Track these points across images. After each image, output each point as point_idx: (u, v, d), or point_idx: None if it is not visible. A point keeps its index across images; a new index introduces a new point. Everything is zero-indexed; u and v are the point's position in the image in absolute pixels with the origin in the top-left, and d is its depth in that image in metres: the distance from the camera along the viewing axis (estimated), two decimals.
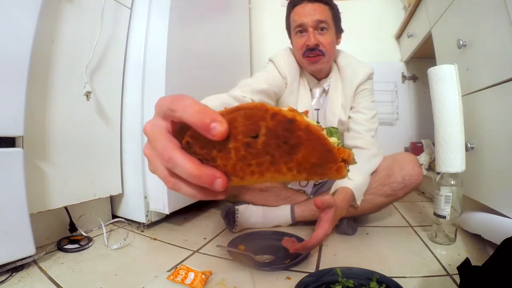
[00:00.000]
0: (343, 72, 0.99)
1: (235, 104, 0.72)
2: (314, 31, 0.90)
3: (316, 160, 0.22)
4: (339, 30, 0.99)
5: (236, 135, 0.23)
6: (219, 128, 0.22)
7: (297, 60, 1.00)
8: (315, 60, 0.92)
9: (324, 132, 0.24)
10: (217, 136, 0.22)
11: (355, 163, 0.26)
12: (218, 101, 0.73)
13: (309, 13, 0.90)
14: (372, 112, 1.00)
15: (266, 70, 0.98)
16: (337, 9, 0.97)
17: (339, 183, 0.87)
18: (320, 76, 1.01)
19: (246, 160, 0.23)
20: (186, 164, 0.24)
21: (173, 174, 0.26)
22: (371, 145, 0.95)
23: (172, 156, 0.24)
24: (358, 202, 0.87)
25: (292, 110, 0.23)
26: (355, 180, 0.85)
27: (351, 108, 1.01)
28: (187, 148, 0.25)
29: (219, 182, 0.24)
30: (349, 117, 1.00)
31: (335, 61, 1.03)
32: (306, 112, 0.26)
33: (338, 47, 1.04)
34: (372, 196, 0.93)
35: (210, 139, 0.23)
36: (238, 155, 0.23)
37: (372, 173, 0.93)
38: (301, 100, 0.99)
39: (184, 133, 0.25)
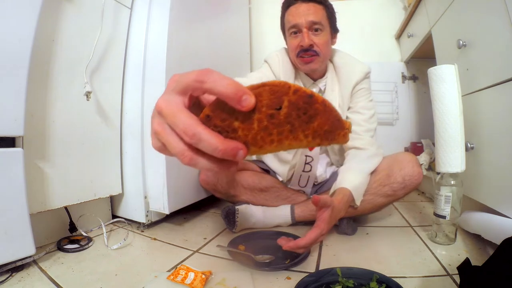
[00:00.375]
0: (340, 71, 0.99)
1: None
2: (308, 31, 0.90)
3: (329, 127, 0.27)
4: (334, 30, 0.98)
5: (261, 107, 0.26)
6: (249, 99, 0.24)
7: (291, 60, 0.99)
8: (309, 61, 0.92)
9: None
10: (246, 107, 0.25)
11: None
12: None
13: (303, 14, 0.90)
14: (370, 112, 1.00)
15: (260, 71, 1.00)
16: (332, 9, 0.97)
17: (337, 184, 0.87)
18: (315, 76, 1.02)
19: (268, 130, 0.27)
20: (212, 139, 0.25)
21: (191, 149, 0.26)
22: (370, 146, 0.95)
23: (197, 132, 0.24)
24: (358, 203, 0.87)
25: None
26: (353, 181, 0.85)
27: (348, 109, 1.01)
28: (206, 122, 0.26)
29: (241, 153, 0.25)
30: (347, 118, 1.00)
31: (331, 61, 1.03)
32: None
33: (335, 46, 1.04)
34: (372, 197, 0.92)
35: (233, 112, 0.26)
36: (260, 125, 0.26)
37: (372, 173, 0.93)
38: None
39: (195, 110, 0.27)
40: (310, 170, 1.05)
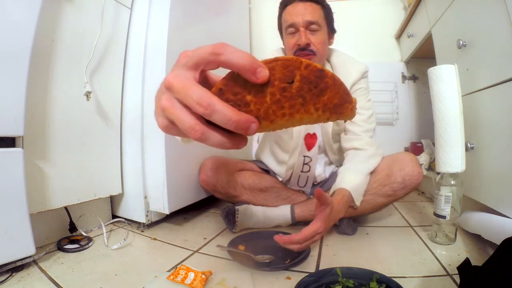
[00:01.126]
0: (337, 71, 0.99)
1: None
2: (305, 30, 0.90)
3: (338, 101, 0.28)
4: (331, 30, 0.99)
5: (274, 81, 0.26)
6: (264, 72, 0.25)
7: None
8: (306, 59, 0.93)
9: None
10: (261, 79, 0.25)
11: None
12: None
13: (301, 13, 0.90)
14: (368, 112, 0.99)
15: None
16: (330, 9, 0.97)
17: (337, 185, 0.87)
18: None
19: (280, 103, 0.27)
20: (226, 109, 0.24)
21: (202, 123, 0.26)
22: (369, 146, 0.95)
23: (211, 103, 0.24)
24: (357, 203, 0.87)
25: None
26: (352, 182, 0.85)
27: None
28: (219, 95, 0.26)
29: (254, 126, 0.25)
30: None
31: (328, 61, 1.03)
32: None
33: (333, 46, 1.04)
34: (372, 197, 0.92)
35: (245, 85, 0.26)
36: (273, 99, 0.27)
37: (372, 174, 0.93)
38: None
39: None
40: (309, 171, 1.05)
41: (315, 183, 1.10)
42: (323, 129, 1.03)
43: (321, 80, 0.27)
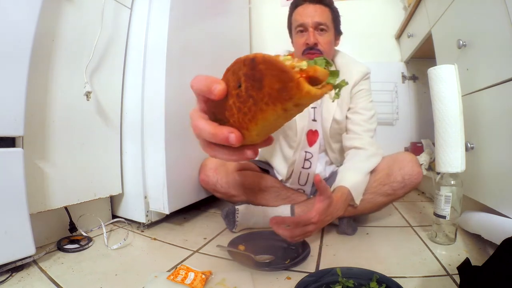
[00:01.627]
0: (340, 71, 0.99)
1: None
2: (314, 31, 0.94)
3: (278, 84, 0.24)
4: (338, 32, 1.03)
5: (231, 91, 0.27)
6: (218, 87, 0.27)
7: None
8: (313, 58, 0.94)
9: (305, 63, 0.26)
10: (217, 95, 0.27)
11: (332, 78, 0.29)
12: None
13: (310, 14, 0.94)
14: (370, 112, 1.01)
15: None
16: (337, 12, 1.01)
17: (336, 183, 0.87)
18: None
19: (241, 110, 0.26)
20: (205, 126, 0.30)
21: (209, 144, 0.31)
22: (369, 146, 0.95)
23: (197, 124, 0.30)
24: (357, 202, 0.87)
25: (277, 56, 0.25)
26: (352, 180, 0.85)
27: (349, 109, 1.02)
28: (213, 118, 0.30)
29: (232, 136, 0.28)
30: (347, 118, 1.01)
31: (333, 61, 1.05)
32: (291, 55, 0.32)
33: (337, 47, 1.06)
34: (372, 196, 0.92)
35: (219, 104, 0.28)
36: (236, 108, 0.27)
37: (372, 173, 0.93)
38: None
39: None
40: (310, 167, 1.05)
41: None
42: (323, 127, 1.04)
43: (255, 70, 0.24)
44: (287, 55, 0.26)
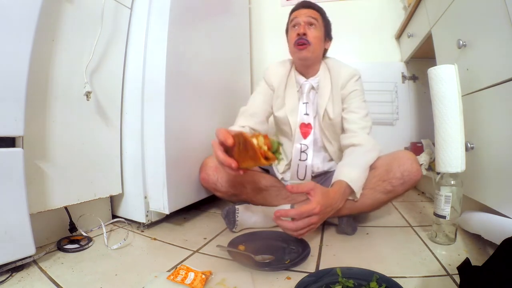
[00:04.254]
0: (331, 71, 1.11)
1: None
2: (305, 25, 1.07)
3: (253, 154, 0.64)
4: (328, 36, 1.14)
5: (237, 145, 0.68)
6: (229, 141, 0.70)
7: (285, 71, 1.15)
8: (302, 48, 1.05)
9: (265, 148, 0.67)
10: (229, 144, 0.70)
11: (277, 157, 0.69)
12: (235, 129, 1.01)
13: (303, 13, 1.08)
14: (364, 111, 1.06)
15: (258, 87, 1.19)
16: (328, 21, 1.15)
17: (334, 178, 0.89)
18: (307, 73, 1.13)
19: (239, 155, 0.69)
20: (220, 155, 0.72)
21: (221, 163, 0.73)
22: (366, 142, 0.99)
23: (216, 154, 0.73)
24: (358, 195, 0.88)
25: (256, 135, 0.68)
26: (349, 174, 0.87)
27: (343, 110, 1.07)
28: (225, 150, 0.72)
29: (233, 164, 0.70)
30: (343, 118, 1.07)
31: (325, 63, 1.14)
32: (265, 136, 0.69)
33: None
34: (371, 192, 0.93)
35: (230, 148, 0.71)
36: (237, 153, 0.69)
37: (371, 169, 0.94)
38: (288, 99, 1.13)
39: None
40: (306, 159, 1.09)
41: (313, 175, 1.11)
42: (317, 121, 1.11)
43: (246, 144, 0.63)
44: (260, 136, 0.67)
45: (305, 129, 1.11)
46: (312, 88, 1.12)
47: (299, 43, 1.05)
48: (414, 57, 1.64)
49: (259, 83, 1.20)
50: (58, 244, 0.83)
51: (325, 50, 1.15)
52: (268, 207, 1.02)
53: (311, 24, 1.07)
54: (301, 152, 1.10)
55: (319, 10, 1.11)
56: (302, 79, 1.13)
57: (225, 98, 1.35)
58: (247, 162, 0.68)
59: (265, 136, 0.68)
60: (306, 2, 1.12)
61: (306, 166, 1.09)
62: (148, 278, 0.64)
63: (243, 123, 1.07)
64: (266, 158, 0.63)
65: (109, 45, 0.97)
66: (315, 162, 1.11)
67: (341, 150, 1.07)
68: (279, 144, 0.69)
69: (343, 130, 1.07)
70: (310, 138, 1.10)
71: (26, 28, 0.68)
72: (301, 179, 1.09)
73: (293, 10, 1.13)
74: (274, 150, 0.68)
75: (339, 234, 0.93)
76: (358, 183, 0.88)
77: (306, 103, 1.11)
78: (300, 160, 1.08)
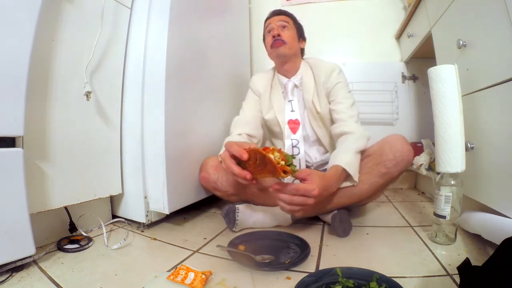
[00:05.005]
0: (313, 69, 1.18)
1: (241, 139, 1.08)
2: (278, 27, 1.16)
3: (272, 168, 0.68)
4: (302, 37, 1.23)
5: (252, 159, 0.73)
6: (244, 156, 0.74)
7: (269, 76, 1.24)
8: (278, 45, 1.13)
9: (283, 162, 0.69)
10: (244, 158, 0.74)
11: (293, 170, 0.71)
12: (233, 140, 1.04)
13: (275, 20, 1.18)
14: (349, 101, 1.11)
15: (247, 97, 1.26)
16: (299, 23, 1.24)
17: (329, 164, 0.94)
18: (289, 73, 1.20)
19: (254, 168, 0.74)
20: (235, 168, 0.77)
21: (233, 175, 0.78)
22: (356, 129, 1.03)
23: (230, 166, 0.78)
24: (355, 178, 0.92)
25: (271, 149, 0.71)
26: (343, 159, 0.92)
27: (330, 102, 1.14)
28: (237, 163, 0.77)
29: (248, 176, 0.75)
30: (332, 110, 1.12)
31: (307, 62, 1.22)
32: (279, 150, 0.72)
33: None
34: (367, 176, 0.97)
35: (244, 161, 0.75)
36: (252, 166, 0.74)
37: (366, 156, 1.00)
38: (274, 101, 1.20)
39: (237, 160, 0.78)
40: (299, 153, 1.14)
41: (313, 167, 1.14)
42: (305, 115, 1.18)
43: (264, 159, 0.67)
44: (275, 151, 0.69)
45: (293, 125, 1.17)
46: (295, 86, 1.18)
47: (275, 43, 1.13)
48: (414, 57, 1.64)
49: (247, 93, 1.26)
50: (58, 244, 0.83)
51: (302, 50, 1.23)
52: (268, 207, 1.02)
53: (284, 26, 1.16)
54: (292, 147, 1.15)
55: (290, 16, 1.21)
56: (284, 79, 1.20)
57: (225, 98, 1.35)
58: (263, 175, 0.73)
59: (279, 150, 0.71)
60: (277, 10, 1.22)
61: (299, 160, 1.14)
62: (148, 278, 0.64)
63: (240, 131, 1.11)
64: (284, 172, 0.67)
65: (109, 45, 0.97)
66: (312, 153, 1.18)
67: (333, 140, 1.13)
68: (293, 157, 0.73)
69: (332, 122, 1.13)
70: (299, 132, 1.16)
71: (26, 28, 0.68)
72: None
73: (266, 19, 1.22)
74: (289, 163, 0.71)
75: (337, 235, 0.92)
76: (353, 166, 0.92)
77: (291, 100, 1.18)
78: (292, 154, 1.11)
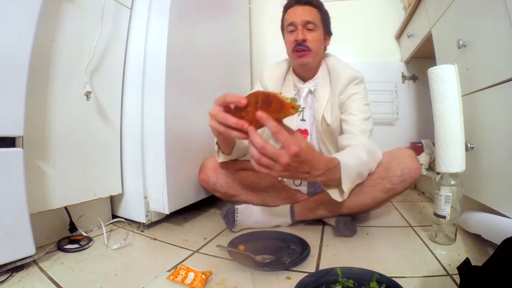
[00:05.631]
0: (332, 72, 1.05)
1: None
2: (302, 28, 1.00)
3: (279, 106, 0.55)
4: (327, 33, 1.07)
5: (250, 104, 0.58)
6: (243, 101, 0.57)
7: (281, 71, 1.11)
8: (302, 55, 1.01)
9: (288, 100, 0.55)
10: (243, 104, 0.57)
11: (298, 109, 0.54)
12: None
13: (299, 14, 1.00)
14: (364, 114, 0.99)
15: (253, 89, 1.09)
16: (327, 13, 1.07)
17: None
18: (306, 76, 1.09)
19: (253, 116, 0.57)
20: (231, 118, 0.59)
21: (226, 129, 0.60)
22: (366, 145, 0.91)
23: (225, 116, 0.59)
24: (344, 185, 0.76)
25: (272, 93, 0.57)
26: (344, 157, 0.77)
27: (342, 112, 1.01)
28: (235, 114, 0.60)
29: (246, 125, 0.57)
30: (342, 120, 1.00)
31: (326, 62, 1.09)
32: (280, 93, 0.58)
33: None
34: (370, 189, 0.91)
35: (241, 109, 0.58)
36: (251, 112, 0.57)
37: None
38: None
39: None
40: None
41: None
42: (314, 127, 1.07)
43: (269, 97, 0.56)
44: (279, 93, 0.56)
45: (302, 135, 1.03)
46: (310, 92, 1.08)
47: (299, 49, 0.99)
48: (414, 57, 1.64)
49: (255, 85, 1.16)
50: (58, 244, 0.83)
51: (325, 47, 1.10)
52: (267, 207, 1.02)
53: (310, 27, 1.00)
54: None
55: (318, 7, 1.02)
56: (299, 83, 1.09)
57: None
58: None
59: (280, 93, 0.59)
60: None
61: None
62: (148, 278, 0.64)
63: None
64: (293, 108, 0.55)
65: (109, 45, 0.97)
66: None
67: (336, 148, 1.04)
68: (295, 98, 0.56)
69: (341, 131, 1.02)
70: None
71: (26, 28, 0.68)
72: (297, 185, 1.09)
73: (287, 7, 1.04)
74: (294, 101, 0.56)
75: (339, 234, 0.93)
76: (349, 172, 0.77)
77: (304, 108, 1.06)
78: None
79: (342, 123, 1.01)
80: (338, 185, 0.78)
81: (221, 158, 0.99)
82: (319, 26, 1.02)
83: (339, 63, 1.07)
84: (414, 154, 0.93)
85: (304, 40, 0.99)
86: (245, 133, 0.58)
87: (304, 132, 1.07)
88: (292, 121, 1.05)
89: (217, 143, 0.95)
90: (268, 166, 0.58)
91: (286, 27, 1.04)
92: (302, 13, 1.00)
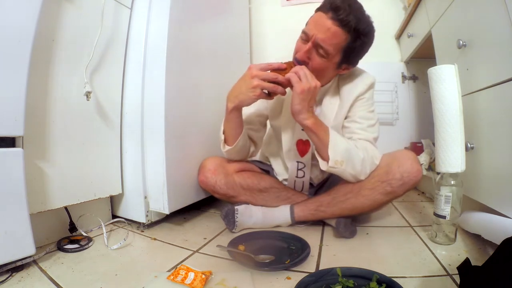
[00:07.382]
0: (344, 82, 0.98)
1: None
2: (312, 48, 0.85)
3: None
4: (347, 62, 0.90)
5: (287, 68, 0.85)
6: (283, 66, 0.85)
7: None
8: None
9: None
10: (284, 67, 0.84)
11: None
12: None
13: (320, 29, 0.83)
14: (368, 121, 0.96)
15: None
16: (362, 44, 0.88)
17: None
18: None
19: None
20: (280, 76, 0.83)
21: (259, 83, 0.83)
22: (363, 143, 0.92)
23: (275, 75, 0.83)
24: (330, 151, 0.83)
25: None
26: (335, 133, 0.88)
27: (346, 118, 0.98)
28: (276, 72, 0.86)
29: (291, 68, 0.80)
30: (343, 127, 0.97)
31: (336, 80, 1.00)
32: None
33: None
34: (370, 192, 0.91)
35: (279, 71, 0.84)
36: (283, 74, 0.84)
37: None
38: (286, 109, 0.99)
39: None
40: (304, 176, 1.05)
41: (315, 185, 1.10)
42: None
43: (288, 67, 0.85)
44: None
45: (303, 146, 1.01)
46: (317, 102, 0.98)
47: (296, 64, 0.87)
48: (414, 57, 1.64)
49: None
50: (58, 244, 0.83)
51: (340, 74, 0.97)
52: (267, 207, 1.01)
53: (319, 51, 0.84)
54: (298, 169, 1.04)
55: (350, 32, 0.82)
56: None
57: (225, 99, 1.35)
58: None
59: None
60: (338, 6, 0.80)
61: (303, 182, 1.06)
62: (148, 278, 0.64)
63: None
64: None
65: (109, 45, 0.97)
66: (314, 174, 1.06)
67: None
68: None
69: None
70: (307, 156, 1.01)
71: (26, 28, 0.68)
72: (298, 191, 1.09)
73: (319, 9, 0.86)
74: None
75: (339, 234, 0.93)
76: (337, 146, 0.85)
77: None
78: (297, 177, 1.06)
79: (343, 129, 0.98)
80: (325, 157, 0.87)
81: (226, 149, 1.01)
82: (334, 54, 0.85)
83: (353, 76, 0.98)
84: (415, 157, 0.92)
85: (304, 61, 0.86)
86: (285, 86, 0.82)
87: (306, 143, 1.01)
88: (293, 132, 1.01)
89: (223, 132, 0.98)
90: (303, 77, 0.81)
91: (302, 30, 0.88)
92: (323, 29, 0.82)
